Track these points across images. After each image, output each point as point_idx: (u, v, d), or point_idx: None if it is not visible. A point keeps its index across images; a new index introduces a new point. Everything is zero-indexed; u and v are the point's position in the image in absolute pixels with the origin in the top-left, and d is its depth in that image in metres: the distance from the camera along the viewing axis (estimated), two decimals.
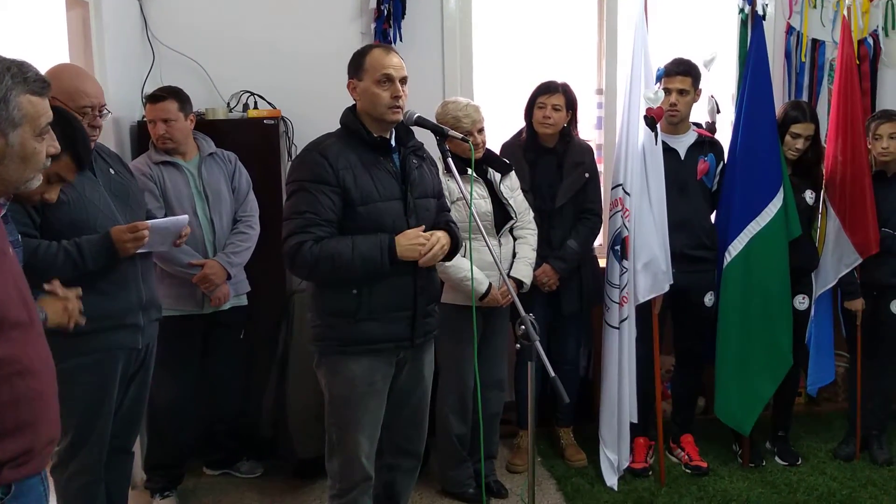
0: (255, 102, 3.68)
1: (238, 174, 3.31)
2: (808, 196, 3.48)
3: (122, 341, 2.45)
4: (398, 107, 2.34)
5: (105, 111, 2.50)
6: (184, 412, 3.22)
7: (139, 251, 2.42)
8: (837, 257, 3.52)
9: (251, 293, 3.38)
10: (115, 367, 2.45)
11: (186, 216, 2.71)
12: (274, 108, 3.65)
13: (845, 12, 3.72)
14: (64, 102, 2.33)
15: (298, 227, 2.28)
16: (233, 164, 3.32)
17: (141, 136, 3.33)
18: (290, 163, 3.59)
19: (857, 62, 4.09)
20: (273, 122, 3.54)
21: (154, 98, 3.14)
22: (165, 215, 3.02)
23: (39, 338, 1.55)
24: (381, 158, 2.38)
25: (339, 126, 2.44)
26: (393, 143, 2.43)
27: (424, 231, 2.36)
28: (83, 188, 2.36)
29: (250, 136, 3.52)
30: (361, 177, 2.32)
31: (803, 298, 3.53)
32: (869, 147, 3.48)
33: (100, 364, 2.40)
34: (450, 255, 2.47)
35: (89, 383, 2.39)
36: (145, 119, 3.19)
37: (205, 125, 3.43)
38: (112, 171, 2.52)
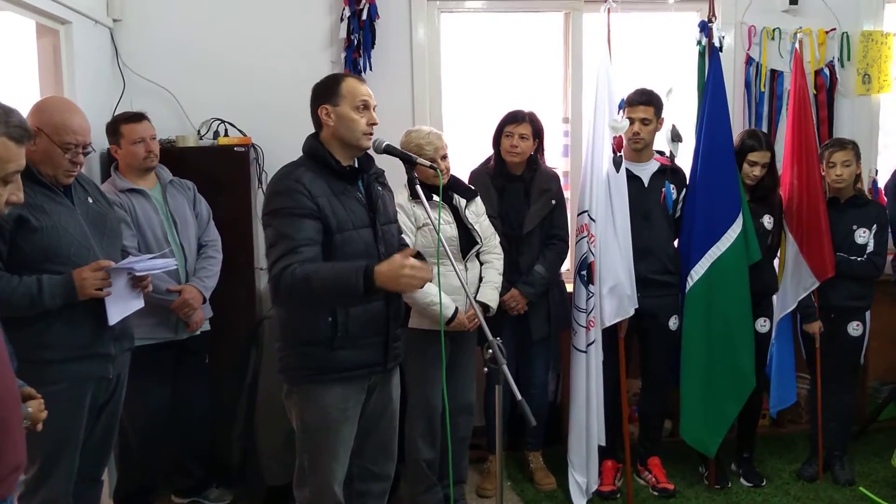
0: (226, 130, 3.70)
1: (198, 201, 3.34)
2: (766, 221, 3.56)
3: (92, 371, 2.43)
4: (371, 133, 2.39)
5: (90, 149, 2.46)
6: (157, 440, 3.19)
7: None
8: (796, 281, 3.61)
9: (221, 319, 3.38)
10: (84, 397, 2.43)
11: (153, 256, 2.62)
12: (244, 135, 3.68)
13: (798, 45, 3.84)
14: (49, 135, 2.33)
15: (285, 251, 2.24)
16: (191, 190, 3.33)
17: (109, 165, 3.32)
18: (260, 190, 3.62)
19: (815, 92, 4.24)
20: (244, 149, 3.56)
21: (139, 117, 3.15)
22: (139, 244, 3.03)
23: (2, 364, 1.52)
24: (349, 186, 2.41)
25: (303, 154, 2.44)
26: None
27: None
28: (58, 216, 2.34)
29: (221, 164, 3.55)
30: (335, 205, 2.33)
31: (764, 321, 3.59)
32: (823, 174, 3.59)
33: (69, 393, 2.37)
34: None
35: (58, 412, 2.30)
36: (119, 141, 3.11)
37: (175, 153, 3.45)
38: (90, 200, 2.51)
